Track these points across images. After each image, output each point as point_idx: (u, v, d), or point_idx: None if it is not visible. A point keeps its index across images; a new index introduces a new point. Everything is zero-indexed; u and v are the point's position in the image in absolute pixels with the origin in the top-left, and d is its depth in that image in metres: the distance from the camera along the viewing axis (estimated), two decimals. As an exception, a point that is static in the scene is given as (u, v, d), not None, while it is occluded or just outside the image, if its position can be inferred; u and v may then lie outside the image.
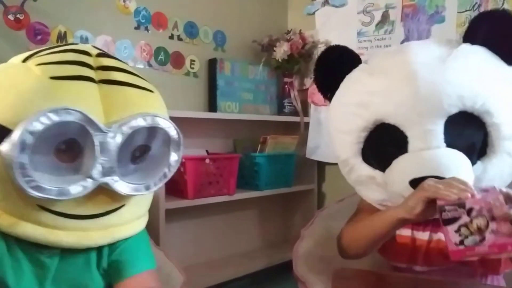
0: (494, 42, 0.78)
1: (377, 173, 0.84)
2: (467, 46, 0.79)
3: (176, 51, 1.62)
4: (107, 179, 0.63)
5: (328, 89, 0.95)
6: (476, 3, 1.40)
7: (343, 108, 0.88)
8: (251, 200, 1.72)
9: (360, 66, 0.91)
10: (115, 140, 0.63)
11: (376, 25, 1.66)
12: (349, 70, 0.91)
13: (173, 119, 1.57)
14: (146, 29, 1.54)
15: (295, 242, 1.21)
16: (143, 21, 1.53)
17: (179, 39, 1.63)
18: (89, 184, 0.62)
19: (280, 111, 1.89)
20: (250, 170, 1.64)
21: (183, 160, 1.39)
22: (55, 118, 0.57)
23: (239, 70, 1.75)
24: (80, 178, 0.62)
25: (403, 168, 0.77)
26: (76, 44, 0.74)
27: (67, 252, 0.69)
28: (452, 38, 0.98)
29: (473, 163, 0.76)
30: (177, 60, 1.62)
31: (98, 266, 0.74)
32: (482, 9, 1.39)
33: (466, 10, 1.43)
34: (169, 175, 0.73)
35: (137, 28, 1.52)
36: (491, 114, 0.75)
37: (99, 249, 0.73)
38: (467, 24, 0.83)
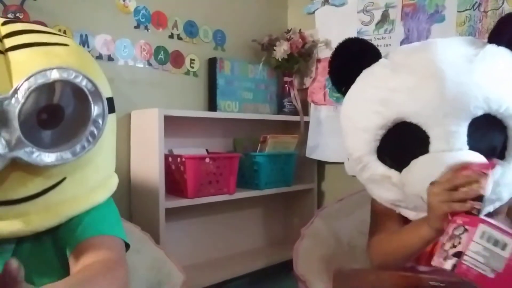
0: None
1: (392, 172, 0.81)
2: (493, 47, 0.77)
3: (176, 50, 1.62)
4: (18, 153, 0.56)
5: (343, 82, 0.91)
6: (476, 2, 1.40)
7: (361, 105, 0.84)
8: (251, 199, 1.72)
9: (381, 61, 0.86)
10: (13, 107, 0.55)
11: (376, 24, 1.66)
12: (367, 64, 0.86)
13: (173, 118, 1.57)
14: (146, 28, 1.54)
15: (295, 241, 1.20)
16: (142, 20, 1.53)
17: (179, 38, 1.63)
18: None
19: (280, 111, 1.89)
20: (250, 169, 1.64)
21: (183, 159, 1.39)
22: None
23: (239, 69, 1.75)
24: None
25: (424, 169, 0.74)
26: None
27: (21, 244, 0.65)
28: (476, 38, 0.96)
29: None
30: (177, 59, 1.62)
31: (57, 250, 0.67)
32: (482, 9, 1.39)
33: (466, 10, 1.43)
34: (98, 133, 0.63)
35: (136, 27, 1.51)
36: None
37: (53, 232, 0.66)
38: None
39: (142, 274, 0.99)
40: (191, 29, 1.67)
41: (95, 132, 0.62)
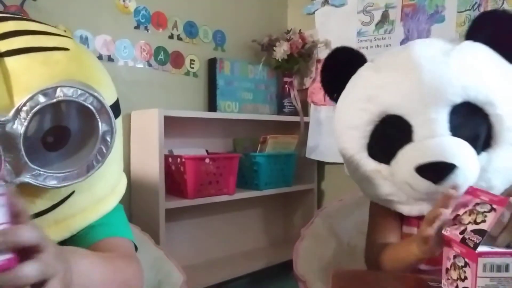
0: (497, 41, 0.79)
1: (382, 166, 0.85)
2: (470, 43, 0.81)
3: (176, 51, 1.62)
4: (25, 178, 0.53)
5: (335, 90, 0.97)
6: (476, 2, 1.40)
7: (350, 105, 0.90)
8: (251, 200, 1.72)
9: (366, 64, 0.92)
10: (16, 130, 0.51)
11: (376, 24, 1.66)
12: (355, 71, 0.92)
13: (173, 118, 1.56)
14: (146, 28, 1.54)
15: (295, 242, 1.21)
16: (142, 20, 1.53)
17: (179, 38, 1.63)
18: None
19: (280, 111, 1.90)
20: (250, 170, 1.65)
21: (183, 160, 1.39)
22: None
23: (239, 69, 1.75)
24: None
25: (408, 156, 0.78)
26: None
27: None
28: (456, 38, 1.01)
29: (478, 153, 0.77)
30: (176, 59, 1.62)
31: None
32: (482, 9, 1.39)
33: (466, 10, 1.43)
34: (107, 150, 0.60)
35: (136, 27, 1.52)
36: (494, 105, 0.76)
37: (63, 244, 0.65)
38: (468, 23, 0.84)
39: (142, 274, 0.99)
40: (191, 30, 1.67)
41: (104, 150, 0.59)
